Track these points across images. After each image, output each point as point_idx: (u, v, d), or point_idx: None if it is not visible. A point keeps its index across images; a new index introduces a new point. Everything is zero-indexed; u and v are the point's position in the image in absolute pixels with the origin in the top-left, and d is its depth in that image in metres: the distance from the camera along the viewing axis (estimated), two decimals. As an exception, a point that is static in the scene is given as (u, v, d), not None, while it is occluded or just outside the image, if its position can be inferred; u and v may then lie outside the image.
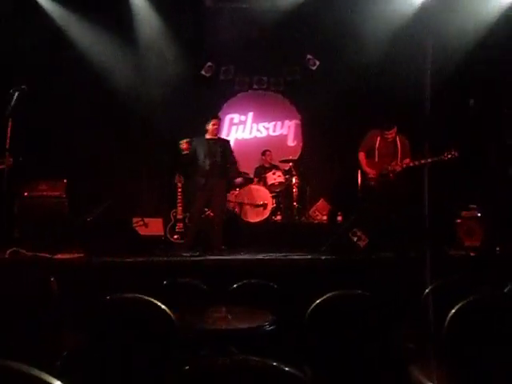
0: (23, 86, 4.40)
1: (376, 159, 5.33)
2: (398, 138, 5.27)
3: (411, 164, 5.03)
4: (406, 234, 4.57)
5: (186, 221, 6.12)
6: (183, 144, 5.23)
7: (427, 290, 2.55)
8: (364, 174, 5.43)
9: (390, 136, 5.27)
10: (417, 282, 2.82)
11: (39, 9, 6.32)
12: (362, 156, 5.39)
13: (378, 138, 5.34)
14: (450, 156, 4.79)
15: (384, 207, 4.83)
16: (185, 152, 5.22)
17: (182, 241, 5.81)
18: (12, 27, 5.86)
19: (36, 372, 1.08)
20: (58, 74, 6.16)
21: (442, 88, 6.08)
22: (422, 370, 2.12)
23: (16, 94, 4.36)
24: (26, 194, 5.63)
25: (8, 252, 4.09)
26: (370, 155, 5.38)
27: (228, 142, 5.70)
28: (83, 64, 6.54)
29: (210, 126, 5.32)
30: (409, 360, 2.33)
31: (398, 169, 5.13)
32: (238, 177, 5.82)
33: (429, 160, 4.92)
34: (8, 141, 4.43)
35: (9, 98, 4.38)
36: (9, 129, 4.45)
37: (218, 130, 5.48)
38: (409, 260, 3.85)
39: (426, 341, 2.40)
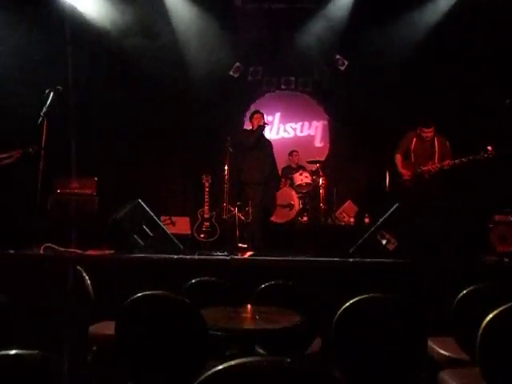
0: (58, 87, 4.54)
1: (412, 160, 5.27)
2: (436, 139, 5.17)
3: (451, 163, 4.93)
4: (438, 238, 4.47)
5: (213, 220, 6.17)
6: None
7: (459, 296, 2.49)
8: (398, 175, 5.35)
9: (427, 135, 5.16)
10: (448, 287, 2.76)
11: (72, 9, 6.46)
12: (398, 158, 5.35)
13: (414, 139, 5.27)
14: (486, 155, 4.65)
15: (416, 209, 4.75)
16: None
17: (211, 239, 5.89)
18: (46, 26, 6.03)
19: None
20: (90, 74, 6.29)
21: (478, 88, 5.94)
22: (454, 377, 2.07)
23: (51, 94, 4.50)
24: (58, 191, 5.80)
25: (42, 247, 4.21)
26: (406, 157, 5.32)
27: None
28: (114, 62, 6.68)
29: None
30: (440, 367, 2.29)
31: (435, 169, 5.03)
32: None
33: (463, 159, 4.80)
34: (44, 139, 4.57)
35: (44, 98, 4.53)
36: (44, 128, 4.59)
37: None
38: (440, 264, 3.76)
39: (458, 348, 2.34)
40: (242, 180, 5.44)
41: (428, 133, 5.16)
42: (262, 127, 5.40)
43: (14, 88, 5.84)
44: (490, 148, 4.66)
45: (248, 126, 5.69)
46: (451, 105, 6.14)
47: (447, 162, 5.00)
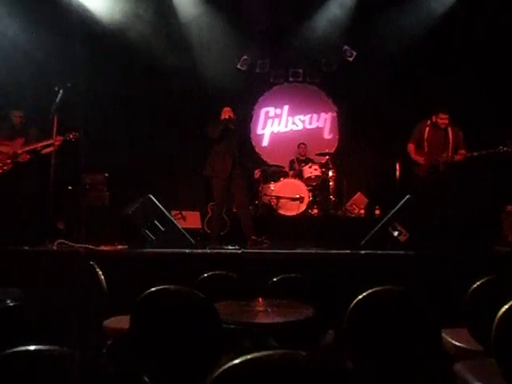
0: (68, 84, 4.56)
1: (425, 149, 5.21)
2: (450, 129, 5.12)
3: (467, 155, 4.88)
4: (450, 229, 4.44)
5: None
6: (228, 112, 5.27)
7: (472, 287, 2.47)
8: (411, 164, 5.29)
9: (443, 122, 5.11)
10: (461, 278, 2.74)
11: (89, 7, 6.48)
12: (411, 147, 5.29)
13: (428, 128, 5.22)
14: (505, 149, 4.60)
15: (429, 200, 4.71)
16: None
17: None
18: (60, 24, 6.05)
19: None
20: (100, 70, 6.32)
21: (492, 80, 5.85)
22: (469, 368, 2.07)
23: (61, 91, 4.53)
24: (70, 187, 5.86)
25: (56, 243, 4.27)
26: (419, 146, 5.26)
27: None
28: (123, 57, 6.70)
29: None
30: (454, 358, 2.28)
31: (451, 160, 4.99)
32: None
33: (483, 152, 4.76)
34: (54, 135, 4.61)
35: (54, 96, 4.56)
36: (55, 125, 4.62)
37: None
38: (452, 255, 3.74)
39: (472, 339, 2.33)
40: (205, 173, 5.31)
41: (444, 120, 5.10)
42: (226, 121, 5.24)
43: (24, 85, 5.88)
44: (510, 143, 4.61)
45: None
46: (464, 94, 6.05)
47: (463, 151, 4.94)
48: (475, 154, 4.85)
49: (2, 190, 5.06)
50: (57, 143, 4.89)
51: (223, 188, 5.18)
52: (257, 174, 5.58)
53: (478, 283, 2.45)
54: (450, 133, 5.12)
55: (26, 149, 5.03)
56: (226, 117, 5.25)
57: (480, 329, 2.28)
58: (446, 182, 4.98)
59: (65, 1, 5.97)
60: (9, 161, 5.01)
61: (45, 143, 5.01)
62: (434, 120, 5.19)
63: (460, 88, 6.14)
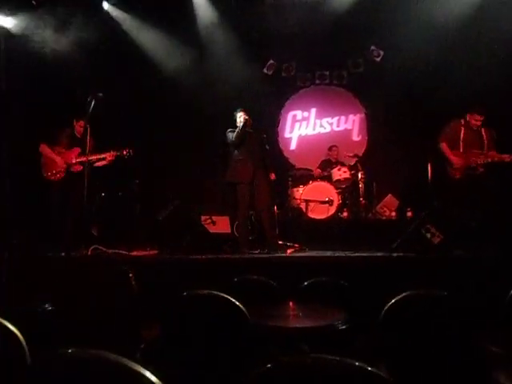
0: (100, 94, 4.70)
1: (461, 150, 5.06)
2: (483, 130, 4.99)
3: (496, 158, 4.76)
4: (487, 230, 4.29)
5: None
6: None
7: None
8: (447, 164, 5.13)
9: (478, 123, 4.98)
10: (499, 282, 2.65)
11: (109, 17, 6.69)
12: (444, 146, 5.13)
13: (462, 129, 5.07)
14: None
15: (465, 202, 4.58)
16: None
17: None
18: (86, 37, 6.26)
19: (128, 362, 1.15)
20: (127, 79, 6.47)
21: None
22: (510, 376, 1.99)
23: (93, 101, 4.67)
24: (102, 194, 6.01)
25: (90, 249, 4.38)
26: (453, 146, 5.10)
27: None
28: (151, 68, 6.85)
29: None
30: (493, 365, 2.19)
31: (487, 161, 4.86)
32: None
33: None
34: (88, 145, 4.75)
35: (87, 105, 4.70)
36: (88, 134, 4.76)
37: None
38: (488, 258, 3.61)
39: (513, 345, 2.25)
40: (227, 180, 5.25)
41: (478, 121, 4.97)
42: (244, 124, 5.14)
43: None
44: None
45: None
46: (498, 93, 5.82)
47: (493, 153, 4.81)
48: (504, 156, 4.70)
49: (53, 197, 5.20)
50: (110, 158, 5.06)
51: (247, 193, 5.12)
52: (272, 176, 5.46)
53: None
54: (484, 134, 4.98)
55: (79, 160, 5.13)
56: (243, 120, 5.17)
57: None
58: (483, 184, 4.83)
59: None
60: (62, 170, 5.15)
61: (98, 156, 5.13)
62: (468, 119, 5.04)
63: (493, 87, 5.92)
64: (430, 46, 6.49)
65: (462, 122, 5.09)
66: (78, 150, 5.18)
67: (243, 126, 5.15)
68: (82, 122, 5.24)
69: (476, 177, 4.89)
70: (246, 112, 5.27)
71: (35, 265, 3.95)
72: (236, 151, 5.22)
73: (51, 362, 1.25)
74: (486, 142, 4.95)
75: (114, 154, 5.06)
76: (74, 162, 5.13)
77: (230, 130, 5.30)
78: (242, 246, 5.03)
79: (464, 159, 5.00)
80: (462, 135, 5.05)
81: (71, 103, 5.67)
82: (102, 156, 5.10)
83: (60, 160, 5.15)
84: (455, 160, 5.03)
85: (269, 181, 5.26)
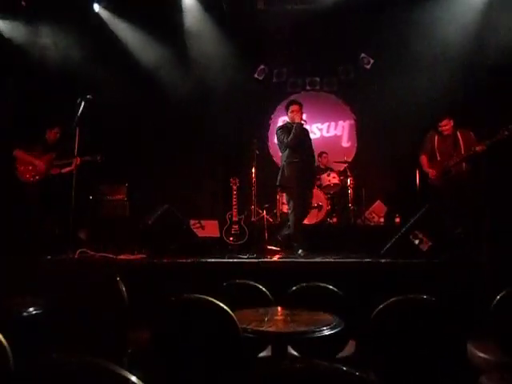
0: (89, 96, 4.66)
1: (438, 158, 5.21)
2: (458, 133, 5.08)
3: (484, 144, 4.72)
4: (472, 236, 4.35)
5: (241, 223, 6.19)
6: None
7: (498, 297, 2.40)
8: (426, 175, 5.32)
9: (445, 129, 5.11)
10: (486, 288, 2.68)
11: (101, 22, 6.67)
12: (423, 159, 5.31)
13: (437, 137, 5.22)
14: (506, 133, 4.46)
15: (448, 207, 4.64)
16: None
17: (240, 242, 5.90)
18: (76, 40, 6.24)
19: (115, 367, 1.13)
20: (118, 83, 6.44)
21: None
22: (496, 381, 2.00)
23: (82, 103, 4.63)
24: (90, 197, 5.95)
25: (77, 252, 4.33)
26: (431, 157, 5.26)
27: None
28: (140, 71, 6.83)
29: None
30: (480, 371, 2.21)
31: (457, 160, 4.96)
32: None
33: (486, 143, 4.66)
34: (76, 147, 4.71)
35: (76, 108, 4.66)
36: (76, 136, 4.72)
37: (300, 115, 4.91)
38: (476, 264, 3.65)
39: (499, 350, 2.27)
40: (279, 183, 4.93)
41: (446, 125, 5.10)
42: (299, 124, 4.78)
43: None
44: (506, 127, 4.48)
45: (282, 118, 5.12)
46: (474, 99, 5.93)
47: (479, 147, 4.75)
48: (488, 142, 4.70)
49: (29, 200, 5.24)
50: (76, 163, 5.09)
51: (301, 196, 4.85)
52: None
53: (504, 293, 2.38)
54: (460, 137, 5.06)
55: (51, 166, 5.36)
56: (296, 119, 4.82)
57: (508, 340, 2.22)
58: (461, 188, 4.92)
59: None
60: (40, 172, 5.36)
61: (64, 162, 5.30)
62: (438, 128, 5.19)
63: (463, 92, 6.06)
64: (419, 55, 6.59)
65: (436, 131, 5.24)
66: (50, 156, 5.40)
67: (298, 125, 4.78)
68: (56, 129, 5.47)
69: (454, 180, 4.98)
70: (300, 106, 4.90)
71: (20, 267, 3.89)
72: (288, 152, 4.86)
73: (36, 369, 1.23)
74: (462, 144, 5.01)
75: (79, 159, 5.12)
76: (47, 167, 5.34)
77: (279, 127, 5.02)
78: (302, 251, 4.61)
79: (439, 167, 5.14)
80: (436, 144, 5.20)
81: (46, 110, 5.77)
82: (67, 162, 5.26)
83: (39, 162, 5.34)
84: (430, 172, 5.20)
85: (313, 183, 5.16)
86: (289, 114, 4.98)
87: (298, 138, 4.80)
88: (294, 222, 4.84)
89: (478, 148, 4.75)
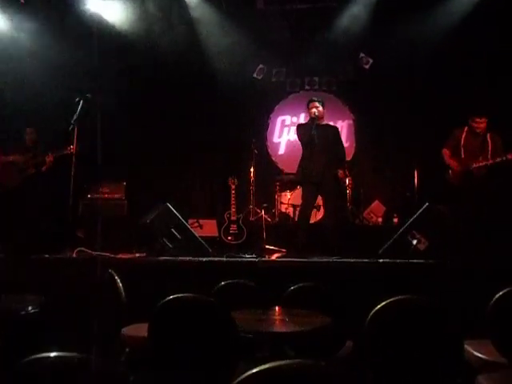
0: (88, 95, 4.65)
1: (462, 155, 5.00)
2: (488, 135, 4.91)
3: (498, 160, 4.63)
4: (472, 238, 4.34)
5: (240, 222, 6.19)
6: None
7: (495, 298, 2.41)
8: (447, 170, 5.08)
9: (479, 126, 4.88)
10: (483, 288, 2.68)
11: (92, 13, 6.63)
12: (446, 152, 5.08)
13: (465, 134, 5.01)
14: None
15: (463, 207, 4.56)
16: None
17: (238, 241, 5.90)
18: (75, 36, 6.22)
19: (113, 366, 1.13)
20: (116, 81, 6.43)
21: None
22: (492, 381, 2.01)
23: (81, 102, 4.62)
24: (88, 196, 5.94)
25: (75, 251, 4.33)
26: (455, 152, 5.06)
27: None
28: (140, 71, 6.81)
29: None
30: (477, 371, 2.22)
31: (486, 163, 4.75)
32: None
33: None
34: (75, 146, 4.71)
35: (74, 106, 4.65)
36: (75, 135, 4.72)
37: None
38: (474, 265, 3.66)
39: (496, 351, 2.27)
40: (296, 178, 5.05)
41: (480, 124, 4.87)
42: (313, 119, 4.81)
43: (43, 96, 6.05)
44: None
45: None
46: (504, 99, 5.82)
47: (511, 155, 4.60)
48: (510, 156, 4.57)
49: (19, 199, 5.25)
50: (49, 160, 5.24)
51: (312, 193, 4.87)
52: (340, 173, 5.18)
53: (502, 293, 2.38)
54: (489, 139, 4.88)
55: (29, 164, 5.41)
56: (312, 115, 4.85)
57: (504, 340, 2.22)
58: (481, 189, 4.76)
59: (81, 10, 6.15)
60: (25, 167, 5.40)
61: (39, 160, 5.36)
62: (470, 124, 4.97)
63: (499, 92, 5.93)
64: (418, 54, 6.58)
65: (465, 128, 5.03)
66: (28, 155, 5.44)
67: (313, 120, 4.81)
68: (31, 130, 5.54)
69: (475, 183, 4.80)
70: (318, 102, 4.95)
71: (18, 266, 3.89)
72: (304, 148, 4.91)
73: (32, 366, 1.23)
74: (490, 147, 4.84)
75: (52, 155, 5.19)
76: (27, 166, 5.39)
77: (300, 124, 5.12)
78: (299, 251, 4.62)
79: (463, 165, 4.93)
80: (462, 141, 4.99)
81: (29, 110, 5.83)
82: (43, 159, 5.31)
83: (17, 157, 5.40)
84: (453, 164, 4.97)
85: (338, 181, 5.00)
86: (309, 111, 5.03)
87: (306, 135, 4.85)
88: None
89: (510, 156, 4.59)
